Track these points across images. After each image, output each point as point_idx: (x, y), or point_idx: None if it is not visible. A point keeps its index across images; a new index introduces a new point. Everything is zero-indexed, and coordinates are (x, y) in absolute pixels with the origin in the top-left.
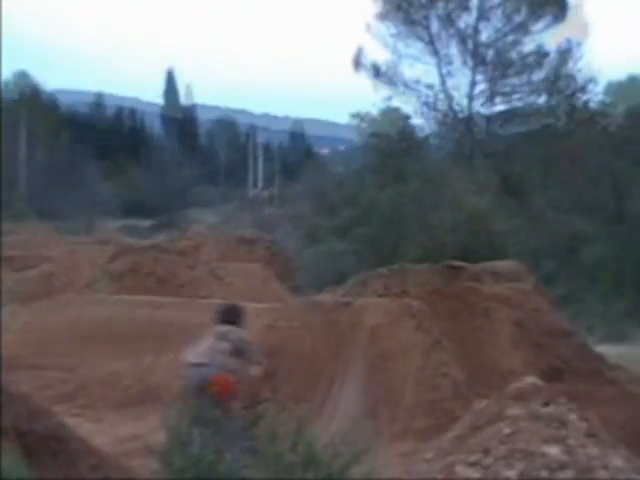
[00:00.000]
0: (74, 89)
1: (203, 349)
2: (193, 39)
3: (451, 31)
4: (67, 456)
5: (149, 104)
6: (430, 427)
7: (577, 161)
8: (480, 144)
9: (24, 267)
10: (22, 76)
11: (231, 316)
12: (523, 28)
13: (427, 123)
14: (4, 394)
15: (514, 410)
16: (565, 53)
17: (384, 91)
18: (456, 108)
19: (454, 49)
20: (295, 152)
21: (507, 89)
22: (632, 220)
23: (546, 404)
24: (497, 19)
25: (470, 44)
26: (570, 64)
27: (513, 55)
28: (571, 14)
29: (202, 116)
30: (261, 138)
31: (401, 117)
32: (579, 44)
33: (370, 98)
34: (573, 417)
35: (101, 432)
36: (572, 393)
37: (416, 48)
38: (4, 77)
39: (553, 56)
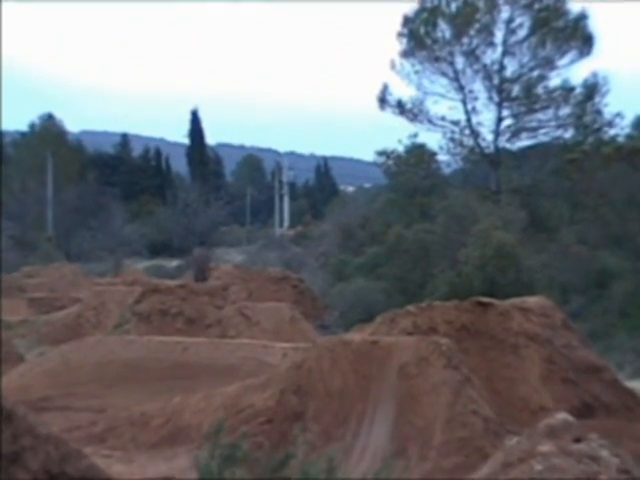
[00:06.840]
0: (99, 130)
1: None
2: (218, 79)
3: (476, 67)
4: None
5: (174, 144)
6: (461, 465)
7: (604, 195)
8: (506, 179)
9: (52, 309)
10: (48, 119)
11: None
12: (549, 63)
13: (453, 159)
14: (34, 436)
15: (545, 447)
16: (591, 87)
17: (409, 128)
18: (482, 144)
19: (479, 85)
20: (321, 190)
21: (533, 124)
22: None
23: (578, 440)
24: (522, 54)
25: (496, 80)
26: (597, 98)
27: (539, 90)
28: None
29: (227, 155)
30: (287, 177)
31: (427, 154)
32: (605, 78)
33: (396, 135)
34: (605, 453)
35: (131, 473)
36: (604, 429)
37: (441, 84)
38: (30, 120)
39: (579, 90)
